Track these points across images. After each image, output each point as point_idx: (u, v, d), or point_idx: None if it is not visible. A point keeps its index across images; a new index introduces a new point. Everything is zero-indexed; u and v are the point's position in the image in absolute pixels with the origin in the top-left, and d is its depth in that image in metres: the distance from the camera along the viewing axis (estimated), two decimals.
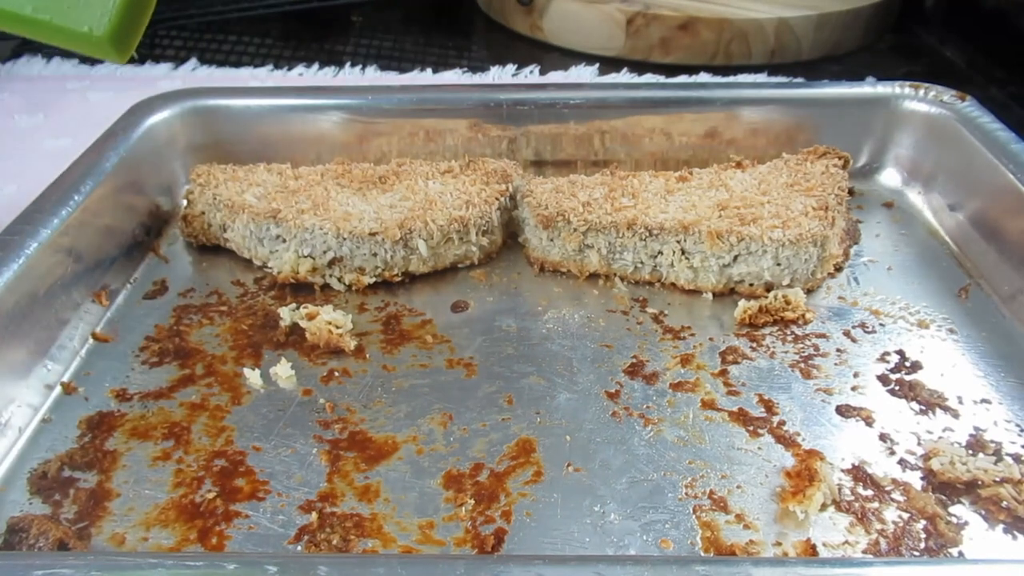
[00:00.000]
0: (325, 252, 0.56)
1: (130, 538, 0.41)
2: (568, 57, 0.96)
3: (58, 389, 0.49)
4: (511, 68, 0.91)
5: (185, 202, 0.63)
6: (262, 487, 0.43)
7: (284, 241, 0.57)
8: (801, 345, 0.53)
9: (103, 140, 0.61)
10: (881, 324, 0.54)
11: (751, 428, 0.47)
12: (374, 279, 0.57)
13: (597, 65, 0.91)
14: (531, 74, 0.90)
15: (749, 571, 0.31)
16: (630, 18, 0.92)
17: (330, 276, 0.57)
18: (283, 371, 0.50)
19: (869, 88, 0.68)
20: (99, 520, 0.42)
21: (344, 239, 0.56)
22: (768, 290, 0.56)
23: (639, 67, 0.92)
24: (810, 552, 0.40)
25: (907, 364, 0.51)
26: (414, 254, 0.57)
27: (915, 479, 0.44)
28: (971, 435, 0.46)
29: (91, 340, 0.53)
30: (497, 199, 0.60)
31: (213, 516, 0.42)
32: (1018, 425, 0.46)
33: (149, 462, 0.45)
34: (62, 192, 0.55)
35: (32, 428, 0.47)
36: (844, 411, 0.48)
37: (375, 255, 0.57)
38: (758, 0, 0.94)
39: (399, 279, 0.58)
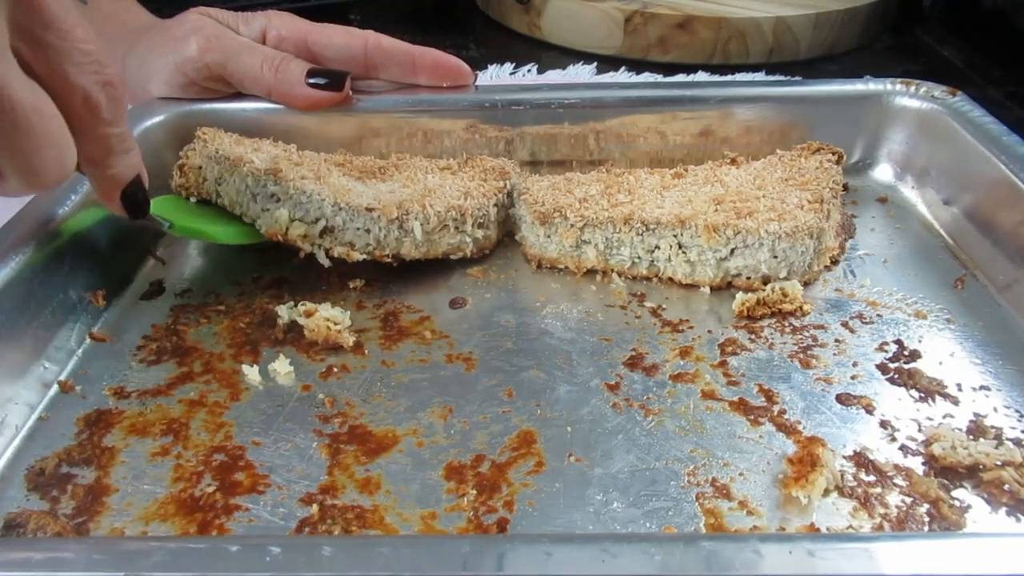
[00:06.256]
0: (318, 220, 0.56)
1: (129, 532, 0.40)
2: (566, 55, 0.96)
3: (55, 388, 0.49)
4: (509, 67, 0.90)
5: (185, 156, 0.61)
6: (262, 481, 0.43)
7: (278, 200, 0.56)
8: (799, 336, 0.53)
9: None
10: (879, 315, 0.55)
11: (752, 417, 0.47)
12: (364, 256, 0.56)
13: (595, 64, 0.91)
14: (529, 72, 0.90)
15: (756, 546, 0.31)
16: (628, 16, 0.93)
17: (318, 247, 0.56)
18: (282, 367, 0.50)
19: (861, 85, 0.68)
20: (97, 515, 0.41)
21: (340, 208, 0.55)
22: (765, 283, 0.56)
23: (637, 66, 0.92)
24: None
25: (906, 353, 0.51)
26: (408, 236, 0.56)
27: (917, 464, 0.44)
28: (971, 421, 0.46)
29: (88, 340, 0.53)
30: (495, 194, 0.60)
31: (213, 510, 0.41)
32: (1017, 411, 0.47)
33: (147, 458, 0.45)
34: (59, 191, 0.55)
35: (29, 426, 0.47)
36: (844, 399, 0.48)
37: (368, 231, 0.56)
38: None
39: (388, 260, 0.57)
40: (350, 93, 0.67)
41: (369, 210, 0.55)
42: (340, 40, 0.66)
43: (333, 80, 0.65)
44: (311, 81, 0.64)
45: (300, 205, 0.56)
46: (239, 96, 0.67)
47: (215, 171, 0.59)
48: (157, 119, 0.66)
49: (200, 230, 0.58)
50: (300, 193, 0.55)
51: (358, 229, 0.56)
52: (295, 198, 0.55)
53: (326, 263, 0.57)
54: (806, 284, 0.57)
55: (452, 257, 0.59)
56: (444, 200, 0.58)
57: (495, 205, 0.60)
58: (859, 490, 0.42)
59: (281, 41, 0.67)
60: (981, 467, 0.43)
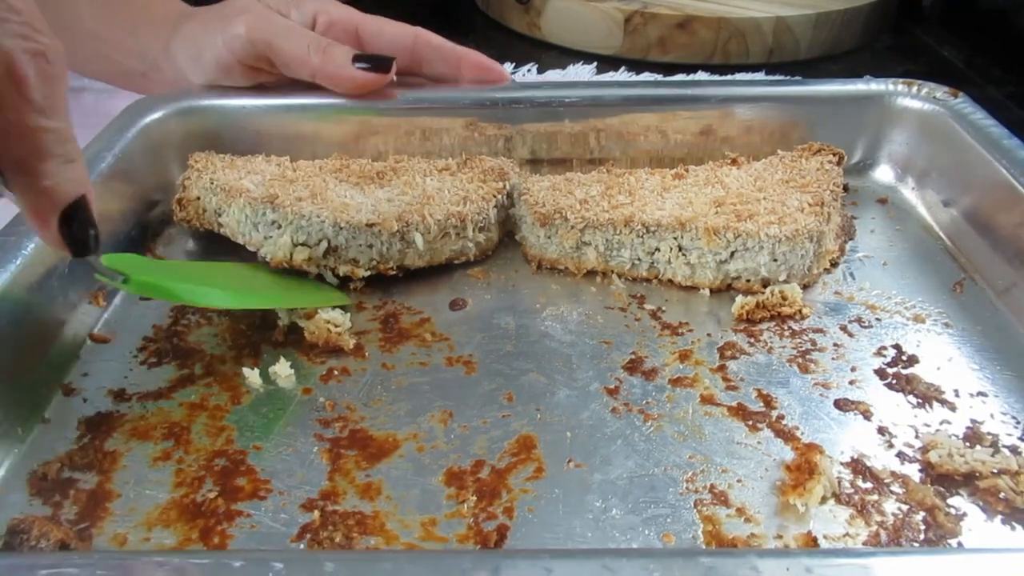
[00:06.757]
0: (320, 241, 0.56)
1: (132, 538, 0.41)
2: (566, 56, 0.96)
3: (57, 390, 0.49)
4: (509, 67, 0.90)
5: (181, 188, 0.62)
6: (263, 486, 0.43)
7: (279, 227, 0.56)
8: (798, 340, 0.53)
9: (98, 140, 0.61)
10: (877, 319, 0.55)
11: (750, 423, 0.47)
12: (369, 271, 0.57)
13: (595, 64, 0.91)
14: (528, 72, 0.90)
15: (754, 562, 0.31)
16: (628, 16, 0.92)
17: (324, 267, 0.57)
18: (282, 370, 0.50)
19: (862, 85, 0.68)
20: (100, 521, 0.41)
21: (341, 228, 0.55)
22: (765, 286, 0.56)
23: (637, 66, 0.92)
24: (811, 545, 0.40)
25: (904, 358, 0.51)
26: (410, 247, 0.57)
27: (914, 471, 0.44)
28: (968, 427, 0.46)
29: (89, 341, 0.53)
30: (494, 196, 0.60)
31: (215, 515, 0.42)
32: (1014, 417, 0.47)
33: (149, 462, 0.45)
34: None
35: (31, 429, 0.47)
36: (842, 405, 0.48)
37: (371, 247, 0.56)
38: None
39: (393, 272, 0.58)
40: (394, 78, 0.66)
41: (370, 226, 0.55)
42: (391, 30, 0.67)
43: (379, 63, 0.65)
44: (358, 65, 0.64)
45: (301, 229, 0.56)
46: (239, 95, 0.67)
47: (213, 202, 0.59)
48: (156, 115, 0.66)
49: (166, 288, 0.49)
50: (299, 217, 0.55)
51: (360, 245, 0.56)
52: (295, 223, 0.56)
53: (334, 282, 0.57)
54: (805, 287, 0.57)
55: (456, 262, 0.59)
56: (443, 207, 0.58)
57: (495, 207, 0.60)
58: (856, 497, 0.42)
59: (331, 26, 0.67)
60: (977, 475, 0.43)
